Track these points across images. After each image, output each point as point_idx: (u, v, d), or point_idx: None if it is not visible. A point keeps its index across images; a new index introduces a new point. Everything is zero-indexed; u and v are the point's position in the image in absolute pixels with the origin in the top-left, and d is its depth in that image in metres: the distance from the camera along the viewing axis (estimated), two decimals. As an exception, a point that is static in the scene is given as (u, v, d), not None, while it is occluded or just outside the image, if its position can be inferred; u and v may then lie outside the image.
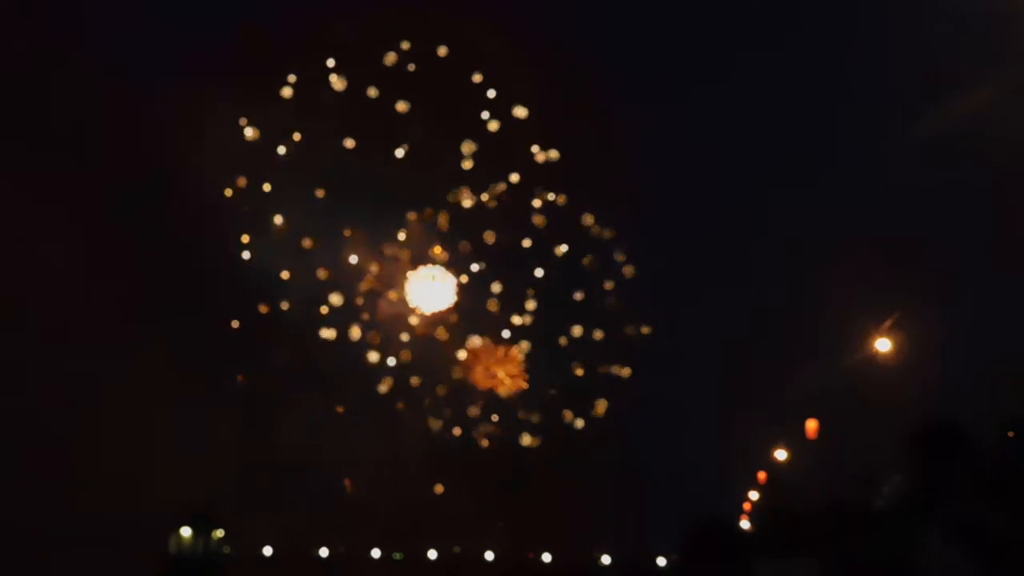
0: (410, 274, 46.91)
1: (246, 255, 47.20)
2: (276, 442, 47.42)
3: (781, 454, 46.80)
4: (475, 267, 47.38)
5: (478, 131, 47.41)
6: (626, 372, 47.63)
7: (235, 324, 49.05)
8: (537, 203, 47.74)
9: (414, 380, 48.00)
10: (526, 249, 47.79)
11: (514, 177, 47.24)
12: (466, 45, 47.29)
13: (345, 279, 46.62)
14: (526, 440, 47.31)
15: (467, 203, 46.63)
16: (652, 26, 51.96)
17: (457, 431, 49.06)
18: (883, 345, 29.13)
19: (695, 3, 52.40)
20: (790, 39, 50.11)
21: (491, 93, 47.64)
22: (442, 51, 47.59)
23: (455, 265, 47.12)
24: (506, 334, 47.57)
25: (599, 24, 51.77)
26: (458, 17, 46.01)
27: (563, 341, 48.25)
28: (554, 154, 47.53)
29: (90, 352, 44.92)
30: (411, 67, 47.78)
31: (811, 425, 39.54)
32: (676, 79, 53.44)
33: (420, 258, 47.18)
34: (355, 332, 46.83)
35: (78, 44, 44.73)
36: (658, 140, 49.56)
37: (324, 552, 56.39)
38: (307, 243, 47.15)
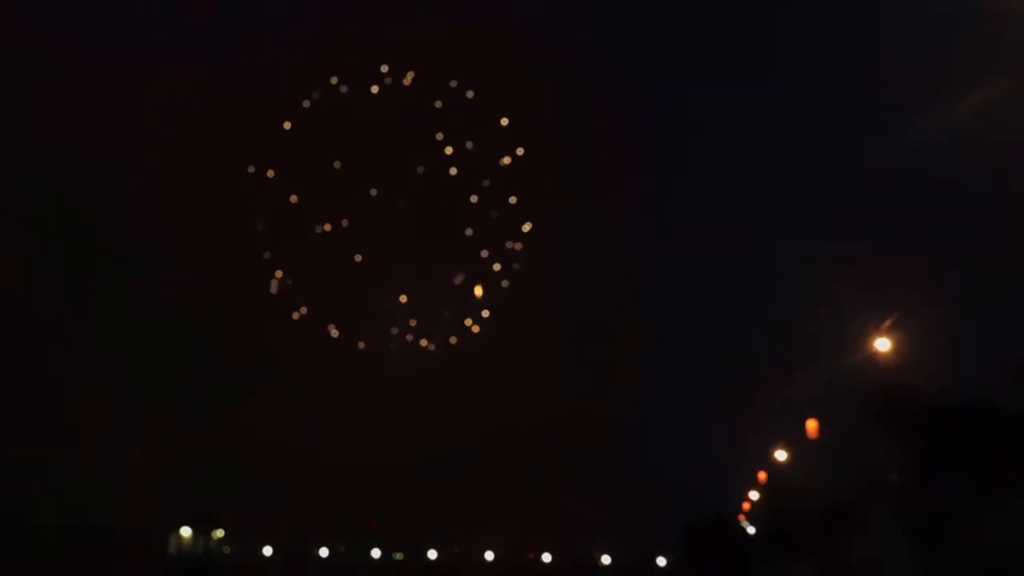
0: None
1: None
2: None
3: (781, 454, 46.61)
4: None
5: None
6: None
7: None
8: None
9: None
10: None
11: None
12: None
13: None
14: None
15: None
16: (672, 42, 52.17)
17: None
18: (883, 345, 28.99)
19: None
20: (788, 44, 50.12)
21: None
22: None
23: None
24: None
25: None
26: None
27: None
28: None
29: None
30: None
31: (811, 425, 39.38)
32: (682, 86, 53.56)
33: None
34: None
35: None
36: (667, 145, 49.78)
37: (324, 552, 56.45)
38: None
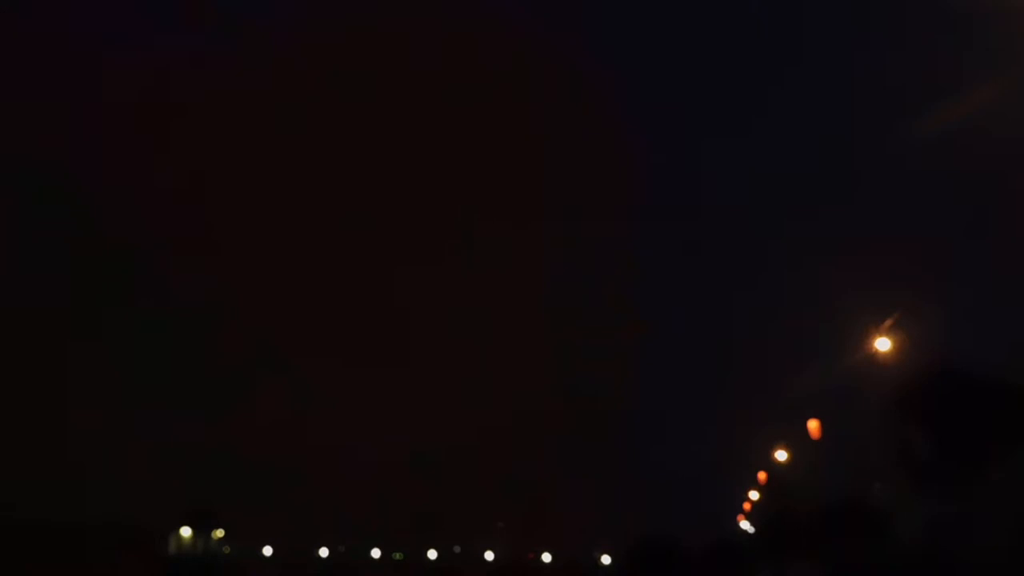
0: None
1: None
2: None
3: (781, 454, 46.61)
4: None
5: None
6: None
7: None
8: None
9: None
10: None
11: None
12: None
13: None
14: None
15: None
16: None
17: None
18: (883, 345, 29.00)
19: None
20: (788, 45, 50.14)
21: None
22: None
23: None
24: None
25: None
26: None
27: None
28: None
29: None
30: None
31: (813, 425, 39.38)
32: (682, 88, 53.58)
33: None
34: None
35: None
36: (666, 145, 49.85)
37: (324, 552, 56.42)
38: None
